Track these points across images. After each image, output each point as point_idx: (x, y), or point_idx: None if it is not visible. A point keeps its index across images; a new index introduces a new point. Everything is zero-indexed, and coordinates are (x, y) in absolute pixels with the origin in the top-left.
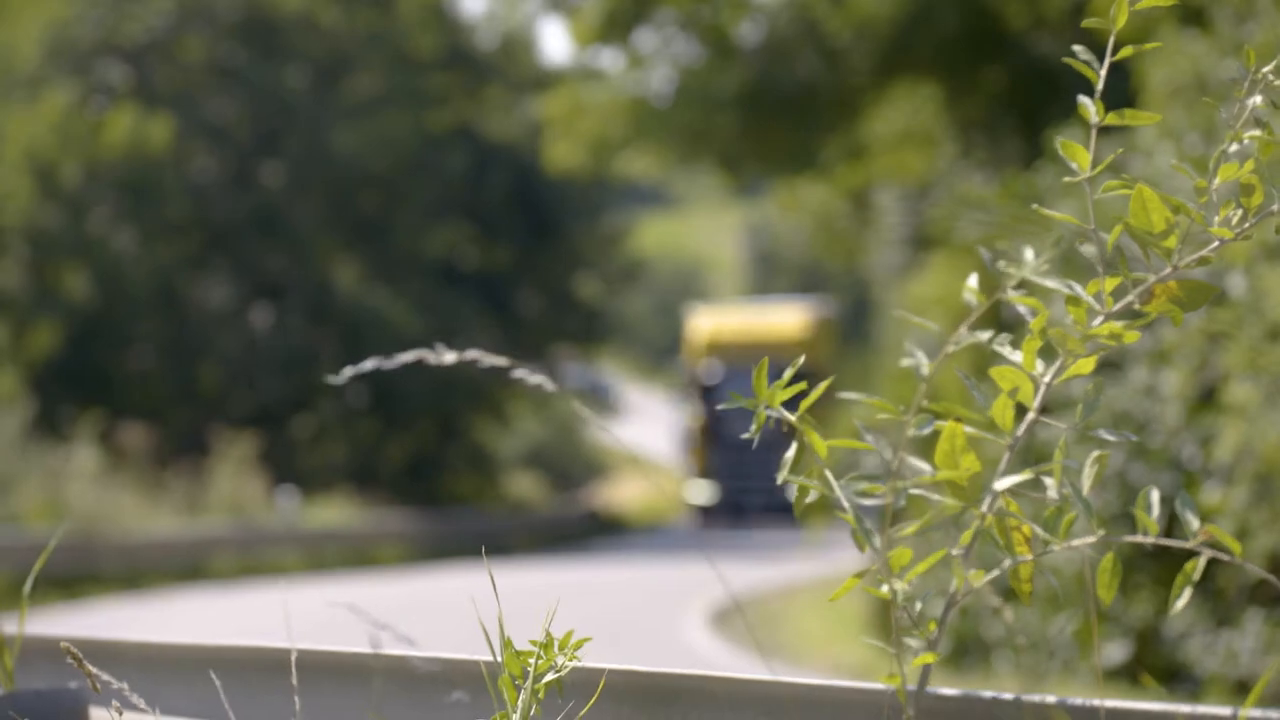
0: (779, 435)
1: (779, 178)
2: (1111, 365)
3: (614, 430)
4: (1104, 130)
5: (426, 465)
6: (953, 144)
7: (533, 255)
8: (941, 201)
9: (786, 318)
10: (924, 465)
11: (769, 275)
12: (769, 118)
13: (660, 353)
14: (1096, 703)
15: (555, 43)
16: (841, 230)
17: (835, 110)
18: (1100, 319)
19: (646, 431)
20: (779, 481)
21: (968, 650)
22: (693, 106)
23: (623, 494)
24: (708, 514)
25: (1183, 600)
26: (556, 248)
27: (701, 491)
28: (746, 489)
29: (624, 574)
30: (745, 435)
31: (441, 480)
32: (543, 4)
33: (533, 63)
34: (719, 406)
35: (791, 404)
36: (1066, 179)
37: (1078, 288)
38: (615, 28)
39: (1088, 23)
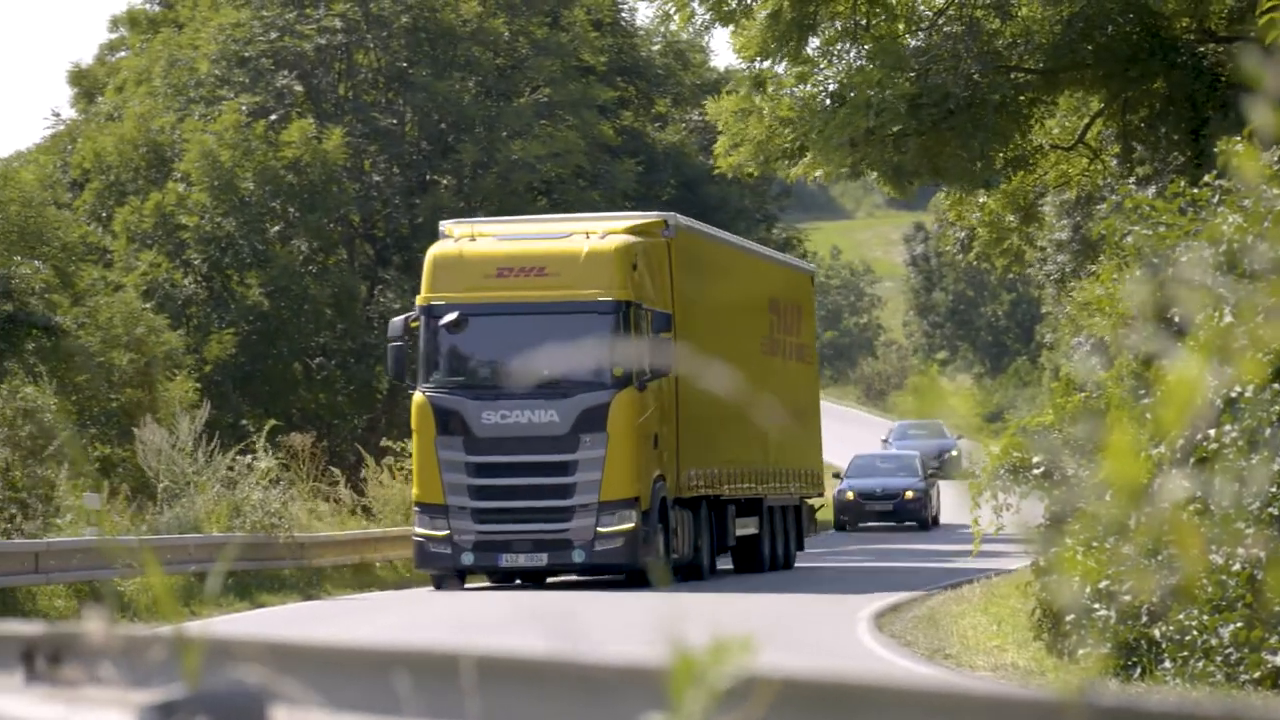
0: (572, 435)
1: (946, 186)
2: None
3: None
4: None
5: None
6: (1118, 152)
7: None
8: (1107, 210)
9: (586, 237)
10: (1090, 470)
11: (933, 283)
12: (935, 125)
13: (828, 359)
14: (1264, 709)
15: (724, 48)
16: (1008, 237)
17: (1001, 118)
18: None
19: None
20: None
21: (1133, 652)
22: (859, 113)
23: None
24: (441, 572)
25: None
26: None
27: (431, 528)
28: (507, 539)
29: (785, 574)
30: (500, 424)
31: None
32: (711, 15)
33: (701, 70)
34: (457, 380)
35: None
36: (1232, 186)
37: (1244, 293)
38: (777, 41)
39: (1262, 16)
